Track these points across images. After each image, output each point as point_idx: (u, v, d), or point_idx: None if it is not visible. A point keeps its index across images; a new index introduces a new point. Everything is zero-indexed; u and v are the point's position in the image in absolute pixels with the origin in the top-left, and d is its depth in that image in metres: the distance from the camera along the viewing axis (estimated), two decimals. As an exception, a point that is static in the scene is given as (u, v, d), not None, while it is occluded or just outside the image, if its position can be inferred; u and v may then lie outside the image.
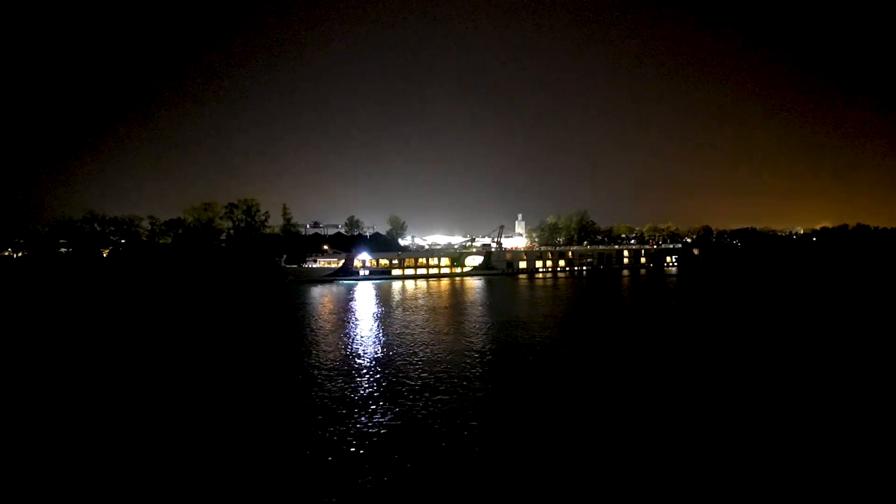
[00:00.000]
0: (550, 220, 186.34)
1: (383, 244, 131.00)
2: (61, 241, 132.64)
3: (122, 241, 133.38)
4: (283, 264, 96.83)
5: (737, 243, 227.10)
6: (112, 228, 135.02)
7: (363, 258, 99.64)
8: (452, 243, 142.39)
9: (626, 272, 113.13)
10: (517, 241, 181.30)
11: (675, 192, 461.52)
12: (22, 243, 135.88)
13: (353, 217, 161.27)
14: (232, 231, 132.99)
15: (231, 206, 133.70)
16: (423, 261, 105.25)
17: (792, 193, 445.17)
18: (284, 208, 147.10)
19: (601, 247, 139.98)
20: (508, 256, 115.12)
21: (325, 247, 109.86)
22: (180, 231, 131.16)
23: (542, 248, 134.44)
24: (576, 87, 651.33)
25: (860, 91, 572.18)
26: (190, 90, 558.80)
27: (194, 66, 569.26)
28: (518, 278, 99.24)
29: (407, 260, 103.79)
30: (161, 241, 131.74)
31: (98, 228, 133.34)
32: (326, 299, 62.84)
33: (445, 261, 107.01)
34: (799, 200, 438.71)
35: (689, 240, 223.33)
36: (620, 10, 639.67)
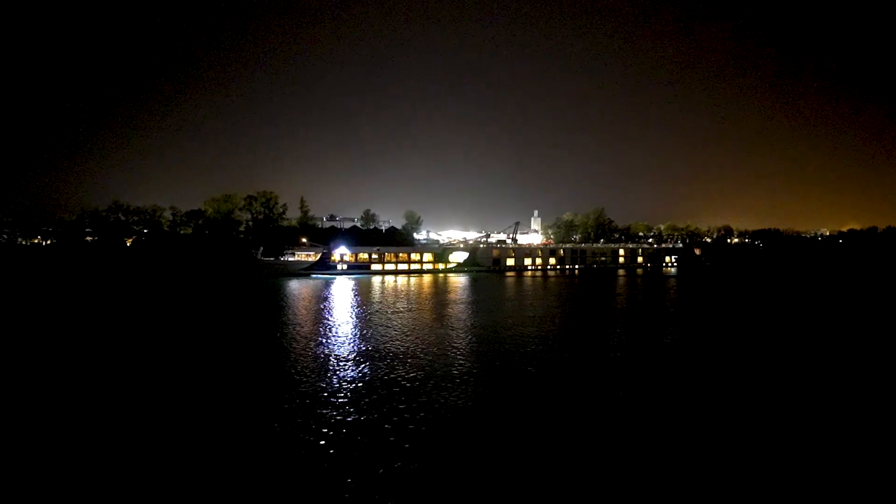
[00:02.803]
0: (567, 217, 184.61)
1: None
2: (87, 229, 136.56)
3: (145, 230, 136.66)
4: (259, 257, 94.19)
5: (758, 244, 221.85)
6: (136, 218, 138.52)
7: (341, 252, 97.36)
8: (468, 238, 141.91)
9: (621, 272, 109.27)
10: (533, 237, 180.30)
11: (697, 191, 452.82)
12: (50, 231, 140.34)
13: (368, 211, 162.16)
14: (250, 223, 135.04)
15: (250, 199, 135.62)
16: (404, 256, 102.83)
17: (819, 194, 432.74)
18: (302, 201, 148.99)
19: (595, 245, 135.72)
20: (495, 253, 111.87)
21: (304, 239, 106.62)
22: (200, 222, 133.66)
23: (531, 245, 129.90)
24: (596, 88, 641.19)
25: (890, 92, 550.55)
26: (212, 84, 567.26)
27: (217, 60, 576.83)
28: (505, 276, 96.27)
29: (387, 255, 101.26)
30: (182, 232, 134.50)
31: (122, 218, 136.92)
32: (294, 294, 60.08)
33: (428, 256, 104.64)
34: (826, 202, 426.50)
35: (708, 240, 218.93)
36: (640, 14, 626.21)
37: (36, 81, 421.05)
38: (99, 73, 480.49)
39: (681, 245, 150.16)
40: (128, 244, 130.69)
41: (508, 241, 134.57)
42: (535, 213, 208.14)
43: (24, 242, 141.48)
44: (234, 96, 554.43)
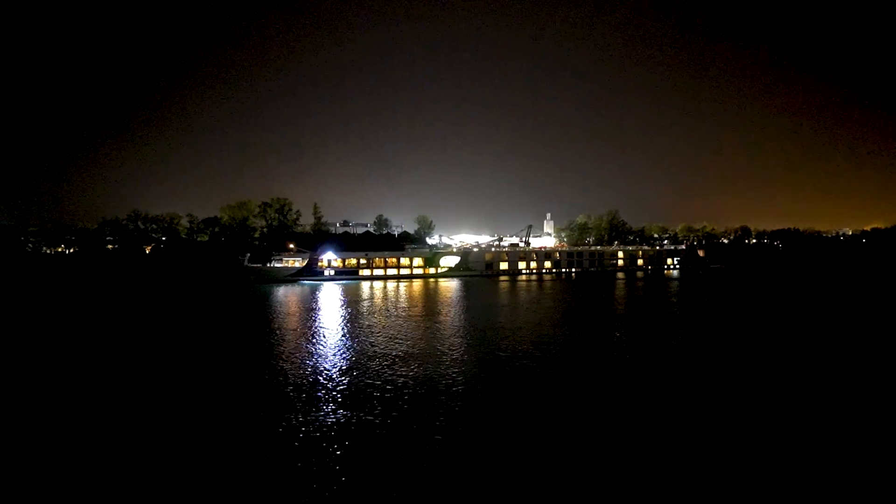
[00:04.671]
0: (580, 219, 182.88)
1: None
2: (108, 238, 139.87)
3: (163, 238, 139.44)
4: (246, 263, 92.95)
5: (777, 244, 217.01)
6: (154, 226, 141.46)
7: (328, 257, 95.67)
8: (480, 242, 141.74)
9: (620, 275, 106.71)
10: (546, 240, 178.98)
11: (714, 192, 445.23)
12: (73, 240, 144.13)
13: (381, 216, 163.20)
14: (265, 229, 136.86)
15: (264, 205, 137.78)
16: (393, 260, 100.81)
17: (840, 194, 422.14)
18: (315, 207, 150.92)
19: (594, 247, 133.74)
20: (488, 257, 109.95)
21: (291, 245, 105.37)
22: (216, 229, 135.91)
23: (528, 248, 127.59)
24: (610, 89, 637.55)
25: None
26: (227, 91, 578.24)
27: (231, 67, 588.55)
28: (498, 280, 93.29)
29: (376, 260, 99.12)
30: (199, 239, 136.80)
31: (141, 226, 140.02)
32: (277, 302, 58.11)
33: (418, 261, 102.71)
34: (848, 201, 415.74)
35: (725, 240, 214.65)
36: (653, 16, 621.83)
37: (53, 92, 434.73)
38: (115, 83, 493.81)
39: (683, 247, 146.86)
40: (147, 252, 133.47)
41: (521, 244, 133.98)
42: (548, 215, 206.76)
43: (48, 251, 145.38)
44: (249, 103, 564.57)
